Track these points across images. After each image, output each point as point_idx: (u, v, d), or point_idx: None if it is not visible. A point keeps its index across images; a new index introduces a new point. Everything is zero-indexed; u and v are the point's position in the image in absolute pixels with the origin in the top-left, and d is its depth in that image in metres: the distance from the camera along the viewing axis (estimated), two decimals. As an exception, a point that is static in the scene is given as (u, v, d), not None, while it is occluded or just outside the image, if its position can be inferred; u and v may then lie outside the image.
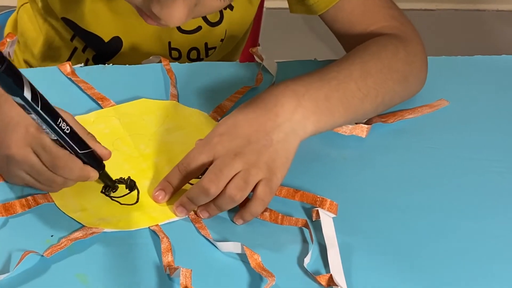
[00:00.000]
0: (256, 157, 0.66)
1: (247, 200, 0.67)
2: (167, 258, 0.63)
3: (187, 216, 0.68)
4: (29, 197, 0.68)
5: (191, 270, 0.60)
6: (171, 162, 0.71)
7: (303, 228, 0.68)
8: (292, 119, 0.68)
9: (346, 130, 0.79)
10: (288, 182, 0.70)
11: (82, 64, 0.88)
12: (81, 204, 0.68)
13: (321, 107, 0.70)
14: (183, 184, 0.70)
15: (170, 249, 0.64)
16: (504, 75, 0.93)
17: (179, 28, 0.95)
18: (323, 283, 0.63)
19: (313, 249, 0.66)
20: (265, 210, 0.69)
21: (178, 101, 0.83)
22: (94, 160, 0.66)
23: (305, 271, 0.64)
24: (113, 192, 0.70)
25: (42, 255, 0.62)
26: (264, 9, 1.22)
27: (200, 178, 0.67)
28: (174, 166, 0.69)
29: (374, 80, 0.75)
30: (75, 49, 0.99)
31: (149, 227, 0.67)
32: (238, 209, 0.68)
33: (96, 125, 0.78)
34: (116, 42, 0.95)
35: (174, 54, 0.98)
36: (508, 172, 0.77)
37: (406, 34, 0.83)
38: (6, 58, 0.52)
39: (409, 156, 0.78)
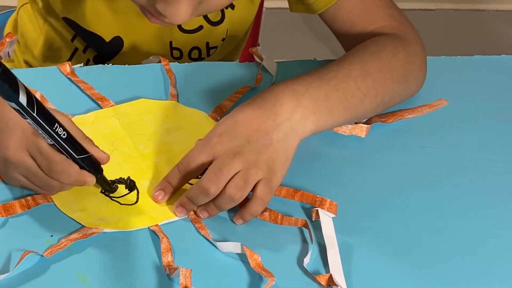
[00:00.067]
0: (256, 156, 0.66)
1: (246, 200, 0.67)
2: (167, 258, 0.63)
3: (186, 216, 0.68)
4: (29, 198, 0.68)
5: (191, 270, 0.60)
6: (171, 162, 0.71)
7: (303, 228, 0.68)
8: (292, 118, 0.68)
9: (346, 130, 0.79)
10: (288, 182, 0.70)
11: (82, 64, 0.88)
12: (80, 204, 0.68)
13: (321, 107, 0.70)
14: (183, 184, 0.70)
15: (170, 249, 0.64)
16: (504, 75, 0.93)
17: (180, 28, 0.95)
18: (323, 283, 0.63)
19: (313, 249, 0.66)
20: (265, 210, 0.69)
21: (178, 101, 0.83)
22: (92, 165, 0.66)
23: (305, 271, 0.64)
24: (114, 192, 0.70)
25: (42, 255, 0.62)
26: (264, 9, 1.22)
27: (199, 178, 0.67)
28: (174, 166, 0.69)
29: (373, 79, 0.75)
30: (76, 49, 0.99)
31: (148, 227, 0.67)
32: (238, 209, 0.68)
33: (96, 125, 0.78)
34: (117, 42, 0.95)
35: (176, 53, 0.98)
36: (508, 172, 0.77)
37: (405, 34, 0.83)
38: (1, 63, 0.51)
39: (408, 156, 0.78)
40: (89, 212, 0.68)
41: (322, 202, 0.69)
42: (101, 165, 0.67)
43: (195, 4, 0.62)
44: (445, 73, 0.91)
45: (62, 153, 0.63)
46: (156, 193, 0.69)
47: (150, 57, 0.91)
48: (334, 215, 0.69)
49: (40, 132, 0.60)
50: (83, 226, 0.66)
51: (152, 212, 0.68)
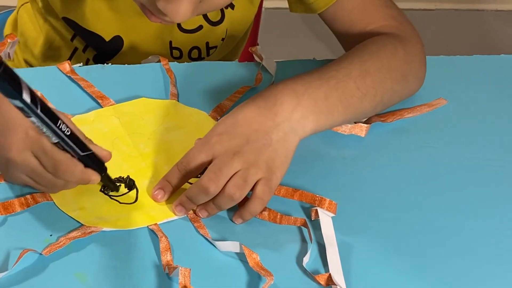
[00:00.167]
0: (255, 156, 0.66)
1: (246, 200, 0.67)
2: (166, 257, 0.63)
3: (186, 215, 0.68)
4: (28, 196, 0.68)
5: (190, 269, 0.60)
6: (170, 161, 0.71)
7: (302, 227, 0.68)
8: (291, 118, 0.68)
9: (345, 129, 0.79)
10: (287, 181, 0.70)
11: (81, 63, 0.88)
12: (80, 203, 0.68)
13: (320, 106, 0.70)
14: (183, 183, 0.70)
15: (169, 248, 0.64)
16: (503, 74, 0.93)
17: (180, 27, 0.95)
18: (322, 282, 0.63)
19: (312, 249, 0.66)
20: (264, 210, 0.69)
21: (178, 101, 0.83)
22: (96, 162, 0.66)
23: (304, 270, 0.64)
24: (113, 191, 0.70)
25: (41, 254, 0.62)
26: (263, 9, 1.22)
27: (199, 177, 0.67)
28: (173, 165, 0.69)
29: (373, 79, 0.75)
30: (76, 49, 0.99)
31: (148, 226, 0.67)
32: (237, 209, 0.68)
33: (96, 124, 0.78)
34: (117, 41, 0.95)
35: (175, 53, 0.98)
36: (507, 171, 0.77)
37: (405, 33, 0.83)
38: (3, 62, 0.51)
39: (408, 155, 0.78)
40: (88, 210, 0.68)
41: (321, 202, 0.69)
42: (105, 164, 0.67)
43: (195, 2, 0.63)
44: (444, 72, 0.91)
45: (66, 151, 0.63)
46: (156, 192, 0.69)
47: (149, 57, 0.91)
48: (333, 215, 0.69)
49: (45, 130, 0.60)
50: (82, 225, 0.66)
51: (151, 211, 0.68)
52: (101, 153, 0.67)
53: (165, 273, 0.62)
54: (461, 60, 0.95)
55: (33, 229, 0.66)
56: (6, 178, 0.69)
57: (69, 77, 0.84)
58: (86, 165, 0.65)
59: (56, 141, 0.61)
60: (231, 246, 0.65)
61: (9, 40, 0.88)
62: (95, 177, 0.66)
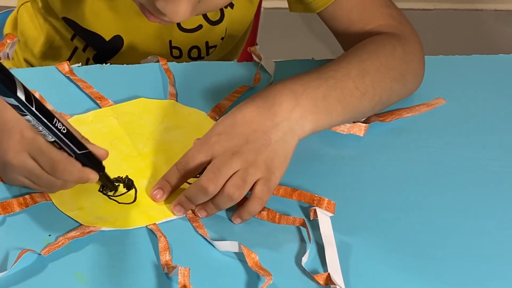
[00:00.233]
0: (255, 156, 0.66)
1: (245, 199, 0.67)
2: (165, 257, 0.63)
3: (184, 215, 0.68)
4: (27, 196, 0.68)
5: (189, 269, 0.60)
6: (169, 161, 0.71)
7: (301, 227, 0.68)
8: (290, 118, 0.68)
9: (344, 129, 0.79)
10: (286, 181, 0.70)
11: (80, 63, 0.88)
12: (78, 203, 0.68)
13: (319, 106, 0.70)
14: (182, 183, 0.70)
15: (168, 248, 0.64)
16: (502, 74, 0.93)
17: (179, 27, 0.95)
18: (321, 282, 0.63)
19: (311, 248, 0.66)
20: (263, 209, 0.69)
21: (177, 101, 0.83)
22: (93, 161, 0.66)
23: (303, 270, 0.64)
24: (112, 191, 0.70)
25: (40, 254, 0.62)
26: (262, 9, 1.22)
27: (198, 177, 0.67)
28: (173, 165, 0.69)
29: (371, 78, 0.75)
30: (76, 48, 0.99)
31: (146, 226, 0.67)
32: (236, 208, 0.68)
33: (94, 124, 0.78)
34: (117, 40, 0.95)
35: (175, 52, 0.98)
36: (506, 171, 0.77)
37: (404, 33, 0.83)
38: None
39: (407, 155, 0.78)
40: (87, 210, 0.68)
41: (320, 201, 0.69)
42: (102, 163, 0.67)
43: (194, 2, 0.63)
44: (443, 72, 0.91)
45: (63, 150, 0.63)
46: (155, 192, 0.69)
47: (148, 57, 0.91)
48: (332, 214, 0.69)
49: (41, 128, 0.60)
50: (81, 225, 0.66)
51: (150, 211, 0.68)
52: (98, 152, 0.67)
53: (164, 273, 0.62)
54: (459, 60, 0.95)
55: (32, 229, 0.66)
56: (4, 180, 0.69)
57: (68, 77, 0.84)
58: (83, 164, 0.65)
59: (52, 139, 0.61)
60: (230, 246, 0.65)
61: (8, 41, 0.88)
62: (93, 176, 0.66)
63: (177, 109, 0.81)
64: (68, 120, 0.77)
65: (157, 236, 0.65)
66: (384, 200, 0.72)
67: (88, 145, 0.65)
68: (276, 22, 2.07)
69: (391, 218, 0.70)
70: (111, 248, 0.64)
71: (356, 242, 0.67)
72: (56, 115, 0.61)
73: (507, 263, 0.67)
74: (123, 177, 0.71)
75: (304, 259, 0.64)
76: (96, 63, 0.99)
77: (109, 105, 0.81)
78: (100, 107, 0.81)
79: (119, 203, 0.69)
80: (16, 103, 0.55)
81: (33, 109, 0.57)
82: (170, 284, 0.61)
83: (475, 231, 0.70)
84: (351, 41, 0.84)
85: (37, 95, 0.80)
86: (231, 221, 0.68)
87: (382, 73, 0.77)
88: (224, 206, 0.67)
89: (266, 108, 0.68)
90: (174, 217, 0.68)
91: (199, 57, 1.00)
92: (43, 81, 0.84)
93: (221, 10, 0.96)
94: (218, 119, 0.80)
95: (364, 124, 0.79)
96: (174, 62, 0.89)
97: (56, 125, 0.60)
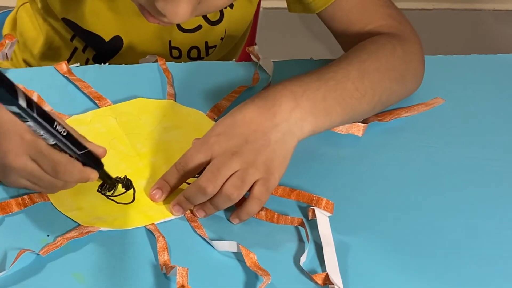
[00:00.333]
0: (254, 156, 0.66)
1: (243, 200, 0.67)
2: (163, 257, 0.63)
3: (183, 215, 0.68)
4: (25, 196, 0.68)
5: (188, 268, 0.60)
6: (168, 161, 0.71)
7: (299, 227, 0.68)
8: (290, 119, 0.68)
9: (343, 129, 0.79)
10: (285, 181, 0.70)
11: (78, 64, 0.88)
12: (77, 203, 0.68)
13: (319, 108, 0.70)
14: (181, 183, 0.70)
15: (166, 248, 0.64)
16: (500, 74, 0.93)
17: (179, 27, 0.95)
18: (319, 282, 0.63)
19: (309, 248, 0.66)
20: (261, 209, 0.69)
21: (175, 101, 0.83)
22: (93, 160, 0.66)
23: (301, 270, 0.64)
24: (111, 191, 0.70)
25: (38, 254, 0.62)
26: (261, 9, 1.22)
27: (197, 177, 0.67)
28: (172, 165, 0.69)
29: (371, 79, 0.75)
30: (75, 49, 0.99)
31: (145, 226, 0.67)
32: (235, 209, 0.68)
33: (93, 124, 0.78)
34: (117, 41, 0.95)
35: (175, 53, 0.98)
36: (505, 170, 0.77)
37: (404, 33, 0.83)
38: None
39: (405, 155, 0.78)
40: (85, 210, 0.68)
41: (318, 201, 0.69)
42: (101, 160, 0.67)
43: (194, 3, 0.63)
44: (442, 72, 0.91)
45: (64, 152, 0.63)
46: (154, 192, 0.69)
47: (147, 56, 0.91)
48: (330, 214, 0.69)
49: (42, 133, 0.59)
50: (79, 225, 0.66)
51: (149, 211, 0.68)
52: (97, 150, 0.67)
53: (163, 273, 0.62)
54: (458, 60, 0.95)
55: (30, 229, 0.66)
56: (3, 182, 0.69)
57: (67, 78, 0.84)
58: (83, 164, 0.65)
59: (53, 142, 0.61)
60: (229, 245, 0.65)
61: (7, 41, 0.88)
62: (94, 175, 0.66)
63: (176, 109, 0.81)
64: (67, 120, 0.78)
65: (156, 236, 0.65)
66: (382, 200, 0.72)
67: (86, 144, 0.65)
68: (274, 22, 2.07)
69: (390, 218, 0.70)
70: (109, 248, 0.64)
71: (355, 242, 0.67)
72: (54, 116, 0.61)
73: (507, 263, 0.67)
74: (122, 177, 0.71)
75: (303, 259, 0.64)
76: (96, 63, 0.99)
77: (108, 105, 0.81)
78: (99, 107, 0.81)
79: (117, 203, 0.69)
80: (18, 111, 0.55)
81: (35, 115, 0.57)
82: (168, 284, 0.62)
83: (475, 231, 0.70)
84: (350, 41, 0.84)
85: (35, 95, 0.80)
86: (230, 221, 0.68)
87: (382, 73, 0.77)
88: (223, 206, 0.67)
89: (266, 109, 0.68)
90: (173, 217, 0.68)
91: (199, 58, 1.00)
92: (41, 81, 0.84)
93: (221, 10, 0.96)
94: (216, 119, 0.80)
95: (362, 124, 0.79)
96: (173, 62, 0.89)
97: (56, 128, 0.60)
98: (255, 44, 1.24)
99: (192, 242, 0.66)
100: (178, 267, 0.60)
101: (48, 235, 0.65)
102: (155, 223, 0.67)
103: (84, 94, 0.82)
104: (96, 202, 0.69)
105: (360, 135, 0.79)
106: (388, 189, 0.74)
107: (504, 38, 2.35)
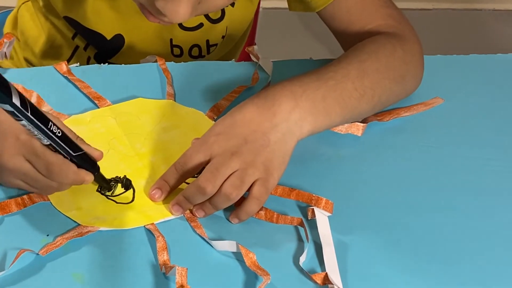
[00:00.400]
0: (253, 156, 0.66)
1: (243, 199, 0.67)
2: (163, 257, 0.63)
3: (182, 214, 0.68)
4: (25, 196, 0.68)
5: (187, 268, 0.60)
6: (167, 161, 0.71)
7: (299, 226, 0.68)
8: (289, 119, 0.68)
9: (342, 128, 0.79)
10: (284, 180, 0.70)
11: (78, 63, 0.88)
12: (76, 203, 0.68)
13: (318, 108, 0.70)
14: (180, 183, 0.70)
15: (166, 247, 0.64)
16: (500, 74, 0.93)
17: (180, 25, 0.95)
18: (319, 281, 0.63)
19: (309, 248, 0.66)
20: (261, 209, 0.69)
21: (175, 100, 0.83)
22: (88, 162, 0.66)
23: (301, 269, 0.64)
24: (110, 191, 0.70)
25: (38, 254, 0.62)
26: (261, 9, 1.22)
27: (196, 177, 0.67)
28: (171, 165, 0.69)
29: (371, 79, 0.75)
30: (77, 47, 0.99)
31: (144, 226, 0.67)
32: (234, 208, 0.68)
33: (92, 124, 0.78)
34: (118, 39, 0.95)
35: (176, 51, 0.98)
36: (504, 170, 0.77)
37: (403, 33, 0.83)
38: None
39: (404, 154, 0.78)
40: (84, 210, 0.68)
41: (318, 201, 0.69)
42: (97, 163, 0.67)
43: (194, 3, 0.63)
44: (441, 72, 0.91)
45: (58, 153, 0.63)
46: (153, 192, 0.69)
47: (147, 57, 0.91)
48: (330, 214, 0.69)
49: (36, 133, 0.59)
50: (79, 225, 0.66)
51: (148, 211, 0.68)
52: (93, 153, 0.67)
53: (162, 273, 0.62)
54: (458, 60, 0.95)
55: (30, 229, 0.66)
56: (0, 182, 0.69)
57: (66, 78, 0.84)
58: (79, 166, 0.65)
59: (47, 143, 0.61)
60: (228, 245, 0.65)
61: (5, 40, 0.88)
62: (89, 177, 0.66)
63: (175, 109, 0.81)
64: (66, 120, 0.78)
65: (155, 236, 0.65)
66: (382, 200, 0.72)
67: (83, 146, 0.65)
68: (274, 22, 2.07)
69: (389, 218, 0.70)
70: (109, 248, 0.65)
71: (354, 242, 0.67)
72: (51, 117, 0.61)
73: (507, 263, 0.67)
74: (121, 177, 0.71)
75: (302, 259, 0.64)
76: (97, 62, 0.99)
77: (107, 105, 0.81)
78: (98, 107, 0.81)
79: (117, 203, 0.69)
80: (12, 109, 0.55)
81: (28, 114, 0.57)
82: (167, 284, 0.62)
83: (474, 231, 0.70)
84: (350, 41, 0.84)
85: (35, 95, 0.80)
86: (229, 221, 0.68)
87: (382, 74, 0.77)
88: (222, 206, 0.67)
89: (265, 109, 0.68)
90: (172, 217, 0.68)
91: (200, 56, 1.00)
92: (41, 81, 0.84)
93: (222, 9, 0.96)
94: (216, 119, 0.80)
95: (362, 124, 0.79)
96: (172, 62, 0.89)
97: (51, 128, 0.60)
98: (255, 44, 1.24)
99: (191, 242, 0.66)
100: (177, 267, 0.60)
101: (47, 235, 0.65)
102: (154, 223, 0.67)
103: (84, 94, 0.82)
104: (95, 202, 0.69)
105: (359, 134, 0.79)
106: (387, 188, 0.74)
107: (504, 38, 2.35)
